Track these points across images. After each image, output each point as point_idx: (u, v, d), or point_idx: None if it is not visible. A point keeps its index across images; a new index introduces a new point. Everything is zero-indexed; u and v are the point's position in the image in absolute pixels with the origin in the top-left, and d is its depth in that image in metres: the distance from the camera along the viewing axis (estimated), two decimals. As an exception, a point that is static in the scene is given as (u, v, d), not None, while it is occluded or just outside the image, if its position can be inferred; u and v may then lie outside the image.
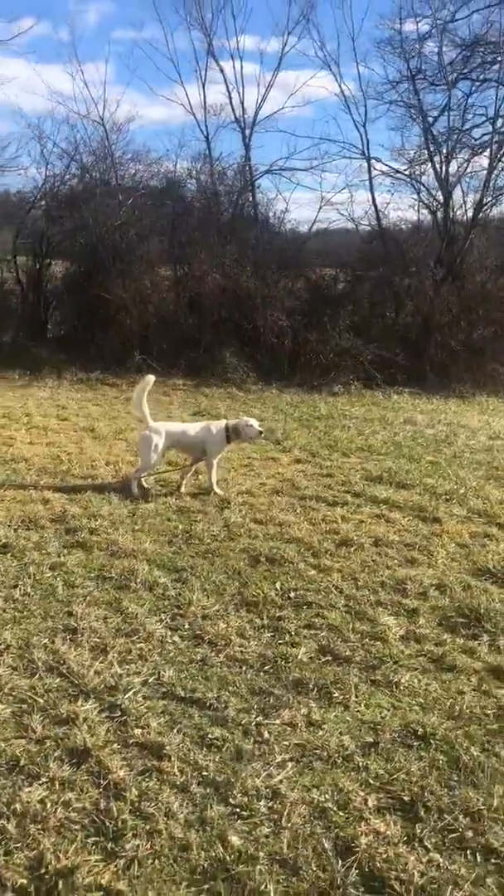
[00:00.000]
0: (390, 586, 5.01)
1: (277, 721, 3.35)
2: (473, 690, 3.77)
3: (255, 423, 6.69)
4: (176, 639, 4.07)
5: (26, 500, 6.10)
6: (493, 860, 2.63)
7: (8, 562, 4.89)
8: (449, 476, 7.95)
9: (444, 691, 3.73)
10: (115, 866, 2.44)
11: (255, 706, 3.45)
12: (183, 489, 6.75)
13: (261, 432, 6.76)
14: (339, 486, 7.31)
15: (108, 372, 13.47)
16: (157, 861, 2.49)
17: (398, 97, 16.32)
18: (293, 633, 4.24)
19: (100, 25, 31.82)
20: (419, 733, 3.34)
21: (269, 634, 4.21)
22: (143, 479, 6.72)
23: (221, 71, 15.49)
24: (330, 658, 3.99)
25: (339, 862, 2.55)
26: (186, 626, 4.21)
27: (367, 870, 2.52)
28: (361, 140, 16.24)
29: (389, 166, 16.80)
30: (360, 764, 3.09)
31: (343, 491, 7.17)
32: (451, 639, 4.33)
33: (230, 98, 15.43)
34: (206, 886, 2.40)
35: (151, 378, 6.70)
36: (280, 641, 4.12)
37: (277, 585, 4.85)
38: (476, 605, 4.70)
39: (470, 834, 2.74)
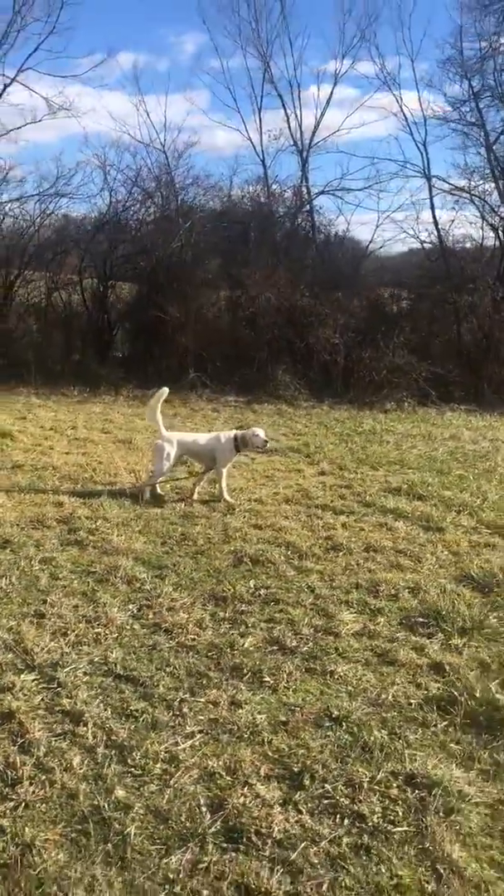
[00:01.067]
0: (364, 588, 5.19)
1: (202, 699, 3.63)
2: (407, 682, 3.94)
3: (261, 432, 6.99)
4: (136, 626, 4.38)
5: (42, 502, 6.56)
6: (357, 824, 2.83)
7: (4, 556, 5.33)
8: (471, 489, 8.01)
9: (377, 682, 3.92)
10: (4, 807, 2.77)
11: (186, 686, 3.74)
12: (195, 496, 7.09)
13: (266, 441, 7.03)
14: (353, 497, 7.49)
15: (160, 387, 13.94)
16: (44, 805, 2.81)
17: (460, 116, 16.40)
18: (250, 625, 4.49)
19: (161, 55, 32.95)
20: (334, 716, 3.55)
21: (226, 626, 4.48)
22: (158, 486, 7.09)
23: (280, 96, 15.96)
24: (276, 648, 4.23)
25: (209, 816, 2.81)
26: (150, 616, 4.52)
27: (230, 823, 2.77)
28: (422, 159, 16.40)
29: (451, 184, 16.86)
30: (265, 739, 3.33)
31: (355, 501, 7.35)
32: (405, 636, 4.49)
33: (288, 122, 15.89)
34: (78, 827, 2.71)
35: (165, 390, 7.10)
36: (234, 632, 4.36)
37: (251, 583, 5.11)
38: (440, 607, 4.82)
39: (345, 801, 2.94)
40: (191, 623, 4.44)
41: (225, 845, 2.67)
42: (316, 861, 2.63)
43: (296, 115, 16.13)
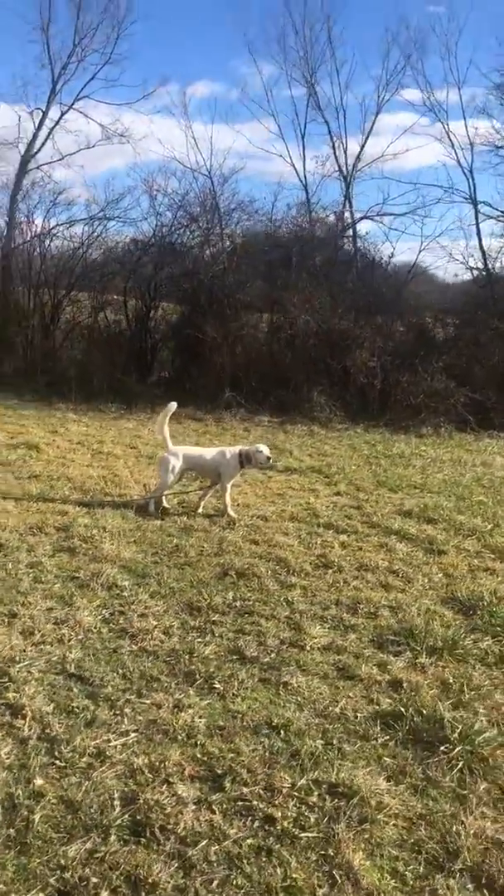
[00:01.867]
0: (344, 605, 5.21)
1: (147, 701, 3.71)
2: (360, 697, 3.95)
3: (265, 449, 7.07)
4: (103, 630, 4.49)
5: (46, 510, 6.75)
6: (266, 827, 2.86)
7: (-6, 559, 5.51)
8: (486, 514, 7.92)
9: (329, 695, 3.94)
10: None
11: (135, 688, 3.82)
12: (200, 509, 7.19)
13: (269, 458, 7.10)
14: (361, 517, 7.50)
15: (199, 408, 14.18)
16: (-38, 789, 2.92)
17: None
18: (217, 634, 4.55)
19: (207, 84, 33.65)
20: (274, 724, 3.58)
21: (194, 634, 4.55)
22: (165, 499, 7.23)
23: (326, 122, 16.15)
24: (236, 657, 4.28)
25: (119, 809, 2.88)
26: (120, 621, 4.62)
27: (138, 818, 2.83)
28: (468, 184, 16.36)
29: (500, 210, 16.74)
30: (199, 742, 3.38)
31: (361, 522, 7.35)
32: (372, 653, 4.49)
33: (333, 148, 16.08)
34: (-11, 811, 2.81)
35: (174, 405, 7.25)
36: (199, 640, 4.43)
37: (230, 595, 5.17)
38: (415, 626, 4.81)
39: (261, 805, 2.98)
40: (158, 629, 4.52)
41: (127, 837, 2.73)
42: (214, 859, 2.67)
43: (342, 142, 16.31)
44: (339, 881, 2.61)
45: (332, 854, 2.74)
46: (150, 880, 2.52)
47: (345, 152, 16.36)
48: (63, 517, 6.58)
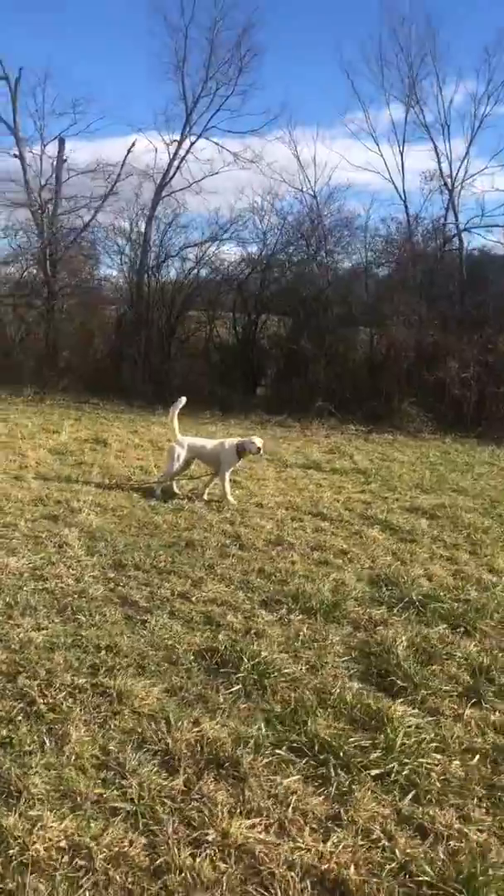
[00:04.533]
0: (264, 572, 5.77)
1: (12, 622, 4.52)
2: (202, 636, 4.54)
3: (258, 441, 7.69)
4: (24, 573, 5.33)
5: (66, 489, 7.75)
6: (28, 708, 3.58)
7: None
8: (497, 516, 8.04)
9: (174, 633, 4.56)
10: None
11: (13, 612, 4.65)
12: (205, 496, 7.93)
13: (259, 448, 7.70)
14: (360, 511, 7.88)
15: (290, 416, 14.88)
16: None
17: None
18: (122, 585, 5.28)
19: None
20: (102, 645, 4.27)
21: (101, 584, 5.29)
22: (175, 485, 8.04)
23: (431, 139, 16.37)
24: (118, 601, 5.02)
25: None
26: (45, 569, 5.45)
27: None
28: None
29: None
30: (25, 652, 4.14)
31: (357, 514, 7.74)
32: (249, 608, 5.05)
33: (439, 162, 16.27)
34: None
35: (183, 399, 8.03)
36: (98, 586, 5.19)
37: (161, 558, 5.86)
38: (305, 591, 5.28)
39: (33, 692, 3.69)
40: (71, 578, 5.30)
41: None
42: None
43: (447, 156, 16.46)
44: (55, 742, 3.24)
45: (58, 728, 3.37)
46: None
47: (450, 165, 16.43)
48: (72, 493, 7.49)
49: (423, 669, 4.24)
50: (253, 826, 2.86)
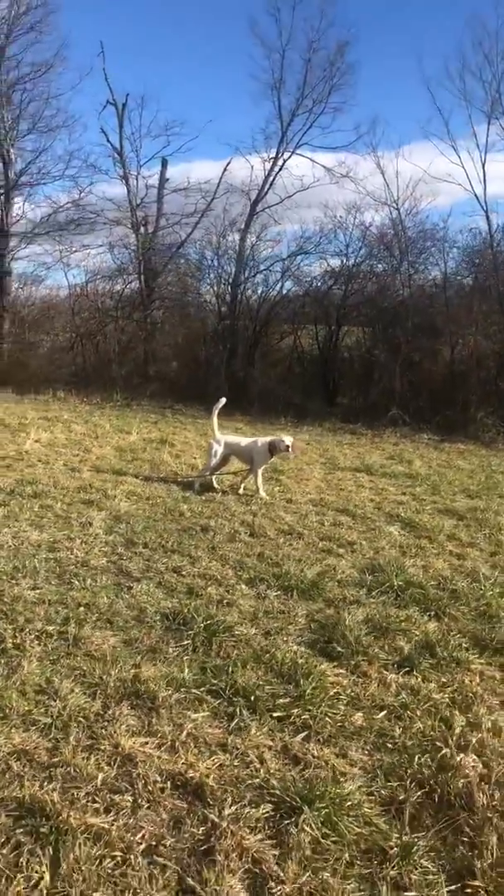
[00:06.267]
0: (263, 557, 6.18)
1: (14, 583, 5.21)
2: (176, 602, 5.07)
3: (287, 439, 8.15)
4: (42, 544, 6.02)
5: (108, 480, 8.48)
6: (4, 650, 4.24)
7: (28, 496, 7.32)
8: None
9: (156, 599, 5.09)
10: None
11: (18, 577, 5.32)
12: (241, 490, 8.47)
13: (288, 447, 8.16)
14: (387, 510, 8.18)
15: (364, 424, 15.20)
16: None
17: None
18: (126, 559, 5.87)
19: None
20: (81, 603, 4.89)
21: (108, 557, 5.92)
22: (215, 480, 8.63)
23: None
24: (115, 570, 5.60)
25: None
26: (63, 542, 6.12)
27: None
28: None
29: None
30: (15, 606, 4.82)
31: (385, 512, 8.04)
32: (232, 584, 5.49)
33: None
34: None
35: (223, 400, 8.62)
36: (104, 559, 5.82)
37: (172, 540, 6.43)
38: (289, 572, 5.73)
39: (9, 639, 4.35)
40: (81, 550, 5.93)
41: None
42: None
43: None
44: (7, 671, 3.87)
45: (15, 662, 3.99)
46: None
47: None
48: (114, 484, 8.20)
49: (371, 641, 4.55)
50: (146, 743, 3.33)
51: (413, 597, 5.40)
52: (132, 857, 2.63)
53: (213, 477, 8.57)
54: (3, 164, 19.73)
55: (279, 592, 5.32)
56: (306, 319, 18.08)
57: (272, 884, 2.56)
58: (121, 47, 35.22)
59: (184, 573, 5.59)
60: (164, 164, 20.80)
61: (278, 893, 2.53)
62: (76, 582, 5.20)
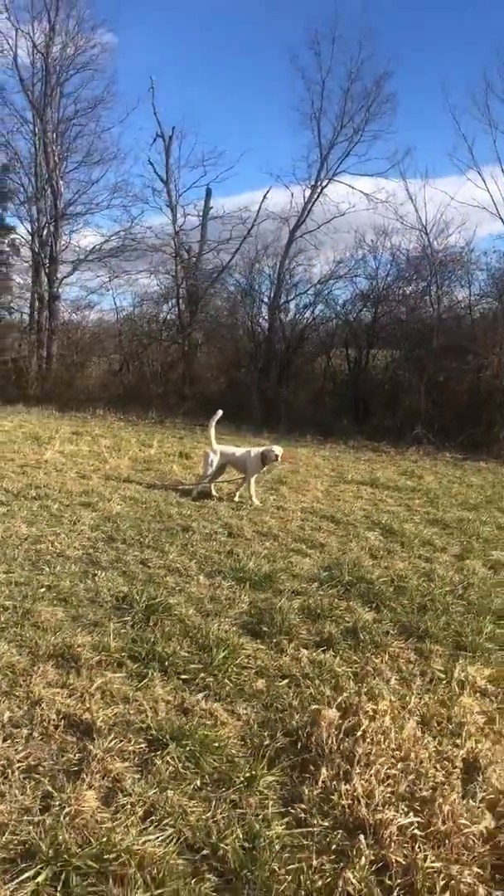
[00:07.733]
0: (232, 554, 6.65)
1: None
2: (131, 588, 5.61)
3: (278, 450, 8.64)
4: (29, 538, 6.64)
5: (113, 487, 9.10)
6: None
7: (29, 499, 7.97)
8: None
9: (114, 585, 5.64)
10: None
11: (-7, 559, 5.95)
12: (236, 497, 8.99)
13: (278, 456, 8.64)
14: (375, 518, 8.55)
15: (388, 442, 15.54)
16: None
17: None
18: (101, 551, 6.41)
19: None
20: (45, 585, 5.48)
21: (87, 550, 6.49)
22: (213, 488, 9.18)
23: None
24: (88, 561, 6.15)
25: None
26: (48, 536, 6.72)
27: None
28: None
29: None
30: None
31: (372, 521, 8.39)
32: (191, 576, 5.96)
33: None
34: None
35: (220, 412, 9.16)
36: (78, 552, 6.39)
37: (150, 535, 6.98)
38: (247, 567, 6.20)
39: None
40: (62, 544, 6.50)
41: None
42: None
43: None
44: None
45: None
46: None
47: None
48: (115, 489, 8.80)
49: (299, 624, 4.99)
50: (57, 693, 3.85)
51: (359, 591, 5.76)
52: (10, 772, 3.12)
53: (213, 485, 9.05)
54: (52, 195, 20.81)
55: (233, 583, 5.76)
56: (337, 341, 18.55)
57: (121, 796, 3.03)
58: (163, 81, 36.61)
59: (150, 565, 6.09)
60: (209, 193, 21.70)
61: (124, 803, 2.99)
62: (46, 568, 5.75)
